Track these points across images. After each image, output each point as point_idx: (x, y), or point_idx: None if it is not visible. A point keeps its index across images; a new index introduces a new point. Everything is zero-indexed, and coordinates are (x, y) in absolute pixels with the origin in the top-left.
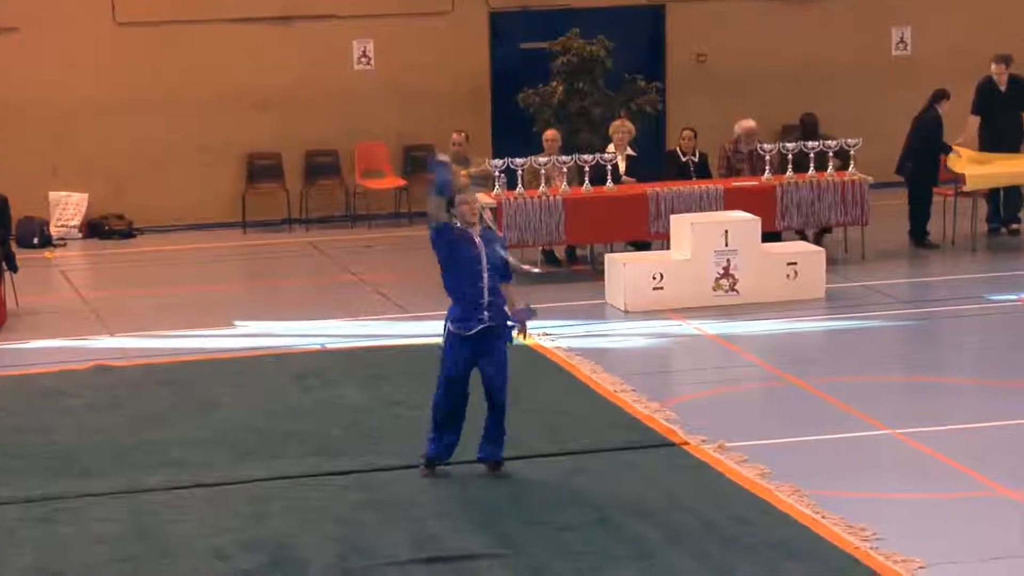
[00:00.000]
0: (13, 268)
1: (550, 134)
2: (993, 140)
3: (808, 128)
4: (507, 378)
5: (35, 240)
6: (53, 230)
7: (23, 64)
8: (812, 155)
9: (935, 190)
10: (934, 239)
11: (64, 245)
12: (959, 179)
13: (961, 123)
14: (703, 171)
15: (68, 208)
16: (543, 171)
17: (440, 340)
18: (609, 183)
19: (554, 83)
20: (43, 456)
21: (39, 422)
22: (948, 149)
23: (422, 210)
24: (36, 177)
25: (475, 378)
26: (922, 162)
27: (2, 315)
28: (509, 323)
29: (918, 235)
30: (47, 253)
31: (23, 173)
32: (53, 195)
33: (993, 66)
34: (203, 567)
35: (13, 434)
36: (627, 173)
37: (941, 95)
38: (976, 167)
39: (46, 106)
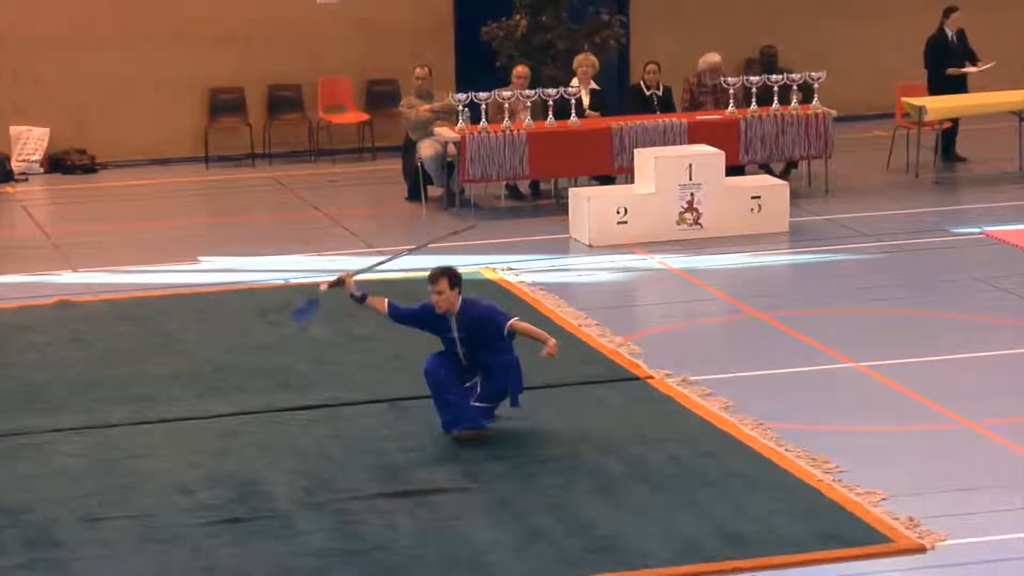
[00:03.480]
0: None
1: (521, 70)
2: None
3: (768, 61)
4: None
5: None
6: (14, 165)
7: None
8: (776, 89)
9: (898, 123)
10: (898, 171)
11: (26, 180)
12: (921, 111)
13: (983, 35)
14: (667, 105)
15: (29, 143)
16: (507, 105)
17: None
18: (573, 118)
19: (517, 16)
20: (5, 392)
21: (2, 357)
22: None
23: (385, 145)
24: None
25: None
26: (935, 82)
27: None
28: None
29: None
30: (9, 188)
31: None
32: (14, 129)
33: None
34: (168, 502)
35: None
36: (591, 107)
37: (949, 10)
38: (938, 100)
39: (5, 41)
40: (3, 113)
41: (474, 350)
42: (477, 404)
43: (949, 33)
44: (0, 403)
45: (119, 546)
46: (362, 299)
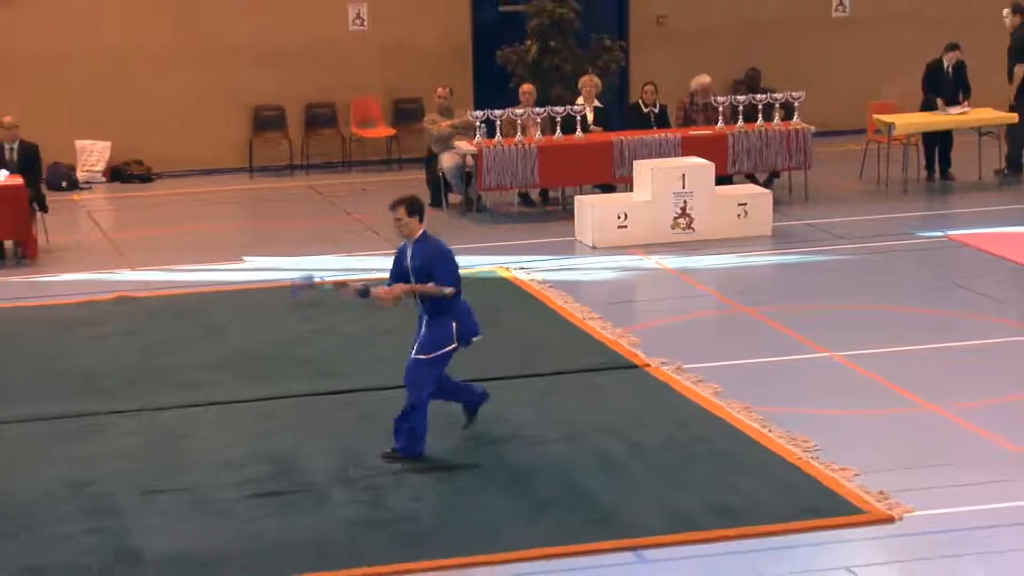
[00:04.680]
0: (44, 208)
1: (527, 88)
2: None
3: (752, 81)
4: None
5: (63, 184)
6: (79, 175)
7: (50, 22)
8: (760, 107)
9: (869, 138)
10: (870, 180)
11: (90, 188)
12: (890, 127)
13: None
14: (663, 121)
15: (93, 155)
16: (519, 121)
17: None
18: (578, 132)
19: (529, 42)
20: (71, 378)
21: (67, 348)
22: (945, 93)
23: (410, 156)
24: (64, 127)
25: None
26: (925, 106)
27: (34, 251)
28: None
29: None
30: (75, 196)
31: (53, 123)
32: (79, 143)
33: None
34: (215, 477)
35: (44, 359)
36: (595, 123)
37: (950, 46)
38: (905, 116)
39: (73, 61)
40: (70, 128)
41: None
42: (418, 356)
43: (946, 64)
44: (66, 388)
45: (172, 516)
46: (366, 293)
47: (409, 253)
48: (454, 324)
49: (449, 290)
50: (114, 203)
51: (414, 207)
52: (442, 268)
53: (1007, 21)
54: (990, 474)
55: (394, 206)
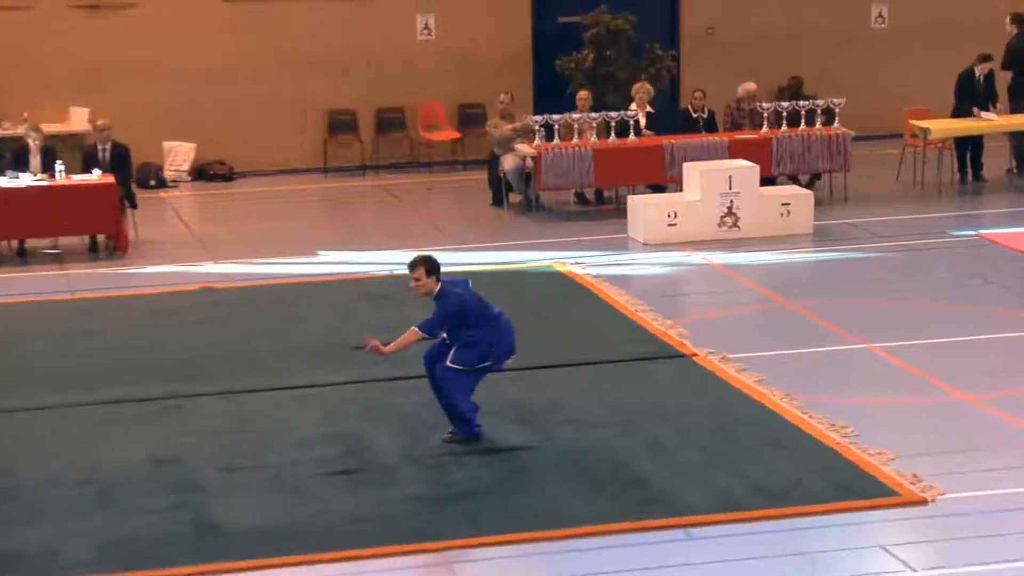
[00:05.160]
0: (134, 205)
1: (583, 94)
2: None
3: (795, 89)
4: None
5: (152, 182)
6: (167, 174)
7: (141, 34)
8: (803, 112)
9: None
10: (906, 182)
11: (176, 187)
12: (926, 132)
13: None
14: (711, 126)
15: (179, 155)
16: (576, 125)
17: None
18: (631, 136)
19: (585, 51)
20: (158, 363)
21: (155, 334)
22: (977, 101)
23: (474, 158)
24: (153, 129)
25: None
26: (957, 112)
27: (125, 244)
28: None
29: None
30: (162, 193)
31: (142, 126)
32: (167, 144)
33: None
34: (292, 455)
35: (133, 345)
36: (647, 127)
37: (983, 58)
38: (940, 122)
39: (162, 70)
40: (158, 130)
41: (450, 332)
42: (451, 365)
43: (978, 73)
44: (154, 373)
45: (252, 492)
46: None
47: (433, 309)
48: (482, 350)
49: (417, 336)
50: (198, 200)
51: (432, 267)
52: (435, 310)
53: (1007, 29)
54: (1018, 459)
55: (412, 266)
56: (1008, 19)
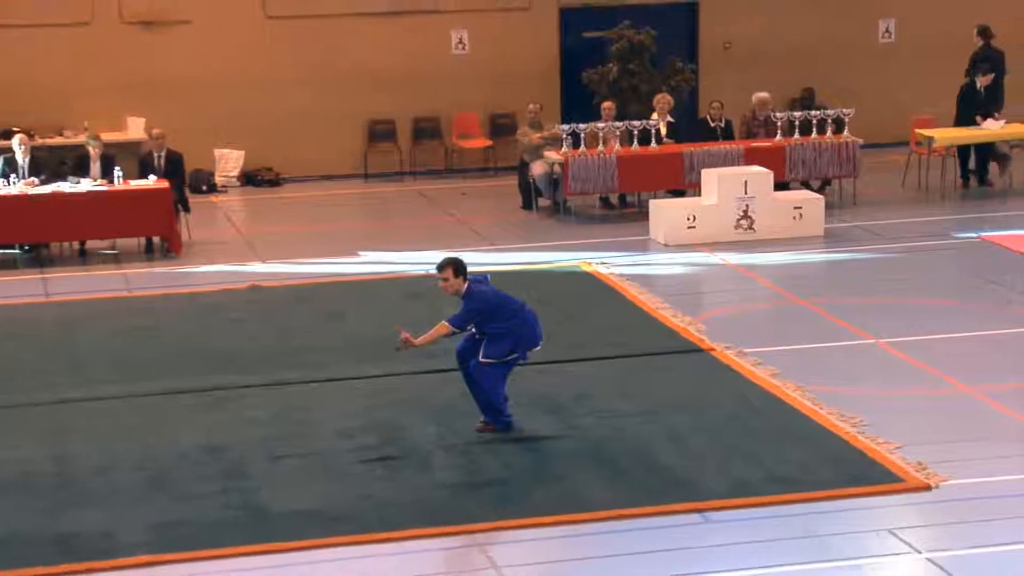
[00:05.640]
0: (187, 209)
1: (607, 104)
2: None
3: (807, 99)
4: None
5: (204, 187)
6: (218, 179)
7: (194, 49)
8: (814, 121)
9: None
10: (912, 188)
11: (226, 191)
12: (930, 140)
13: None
14: (728, 134)
15: (229, 162)
16: (601, 134)
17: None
18: (653, 144)
19: (610, 64)
20: (209, 357)
21: (206, 330)
22: (979, 111)
23: (505, 165)
24: (205, 137)
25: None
26: (959, 122)
27: (178, 246)
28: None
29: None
30: (213, 198)
31: (195, 134)
32: (217, 151)
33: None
34: (333, 444)
35: (186, 339)
36: (667, 136)
37: (985, 71)
38: (943, 131)
39: (212, 82)
40: (210, 139)
41: (479, 326)
42: (484, 360)
43: (979, 85)
44: (205, 365)
45: (296, 478)
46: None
47: (461, 306)
48: (511, 341)
49: (447, 330)
50: (247, 204)
51: (459, 267)
52: (463, 307)
53: (974, 40)
54: (1019, 448)
55: (441, 268)
56: (975, 31)
